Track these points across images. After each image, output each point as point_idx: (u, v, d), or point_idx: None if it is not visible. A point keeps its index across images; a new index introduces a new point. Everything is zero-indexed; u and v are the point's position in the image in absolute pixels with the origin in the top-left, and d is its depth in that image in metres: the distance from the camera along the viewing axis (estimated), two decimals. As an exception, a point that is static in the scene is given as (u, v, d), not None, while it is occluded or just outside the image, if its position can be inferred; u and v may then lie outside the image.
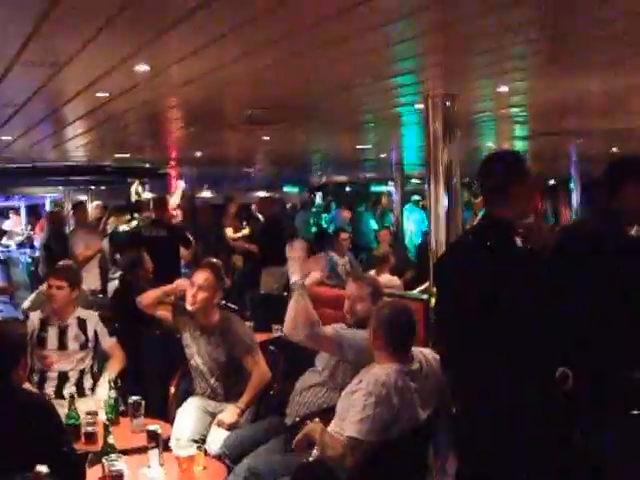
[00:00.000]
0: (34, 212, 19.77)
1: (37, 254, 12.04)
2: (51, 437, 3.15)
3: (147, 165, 14.55)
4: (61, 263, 6.67)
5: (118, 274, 8.08)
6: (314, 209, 20.33)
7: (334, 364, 4.37)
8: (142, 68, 5.18)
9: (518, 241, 3.13)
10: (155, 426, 3.88)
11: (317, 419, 3.90)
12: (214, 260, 5.30)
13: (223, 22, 4.17)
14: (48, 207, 17.94)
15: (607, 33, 4.72)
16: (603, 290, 3.05)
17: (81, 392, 4.98)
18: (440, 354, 3.45)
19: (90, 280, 8.99)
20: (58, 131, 8.80)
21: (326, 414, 4.08)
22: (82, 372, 5.11)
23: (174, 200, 11.66)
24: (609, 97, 7.36)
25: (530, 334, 2.90)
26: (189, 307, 4.91)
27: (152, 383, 5.42)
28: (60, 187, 16.03)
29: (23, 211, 19.93)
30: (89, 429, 4.17)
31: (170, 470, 3.75)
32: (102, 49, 4.63)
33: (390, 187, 16.30)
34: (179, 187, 12.57)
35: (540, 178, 18.89)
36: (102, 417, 4.35)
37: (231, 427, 4.60)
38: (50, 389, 4.95)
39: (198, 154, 12.42)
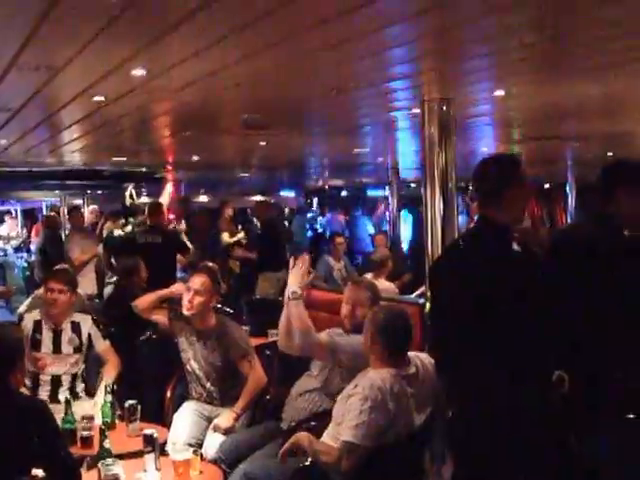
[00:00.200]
0: (30, 216, 19.76)
1: (33, 258, 12.04)
2: (48, 441, 3.16)
3: (143, 169, 14.54)
4: (57, 267, 6.69)
5: (114, 279, 8.08)
6: (310, 213, 20.36)
7: (329, 369, 4.37)
8: (139, 72, 5.17)
9: (514, 245, 3.13)
10: (151, 430, 3.88)
11: (309, 427, 3.91)
12: (210, 264, 5.31)
13: (218, 27, 4.18)
14: (44, 211, 17.94)
15: (603, 37, 4.73)
16: (598, 293, 3.05)
17: (75, 396, 4.97)
18: (435, 358, 3.44)
19: (86, 285, 9.00)
20: (54, 135, 8.79)
21: (322, 419, 4.08)
22: (74, 376, 5.10)
23: (163, 200, 11.68)
24: (605, 101, 7.38)
25: (526, 337, 2.90)
26: (185, 312, 4.91)
27: (148, 387, 5.42)
28: (56, 191, 16.02)
29: (19, 215, 19.92)
30: (85, 433, 4.17)
31: (166, 474, 3.75)
32: (98, 53, 4.63)
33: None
34: (166, 189, 12.56)
35: (535, 182, 18.93)
36: (98, 421, 4.35)
37: (227, 432, 4.60)
38: (44, 394, 4.93)
39: (195, 158, 12.42)
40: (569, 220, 17.47)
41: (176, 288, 5.32)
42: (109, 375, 5.08)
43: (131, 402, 4.41)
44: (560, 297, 3.04)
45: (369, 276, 8.25)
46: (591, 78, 6.11)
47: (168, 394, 5.17)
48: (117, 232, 10.99)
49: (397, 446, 3.65)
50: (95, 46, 4.39)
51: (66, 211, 14.15)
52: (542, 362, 2.99)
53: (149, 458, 3.78)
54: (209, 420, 4.80)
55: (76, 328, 5.16)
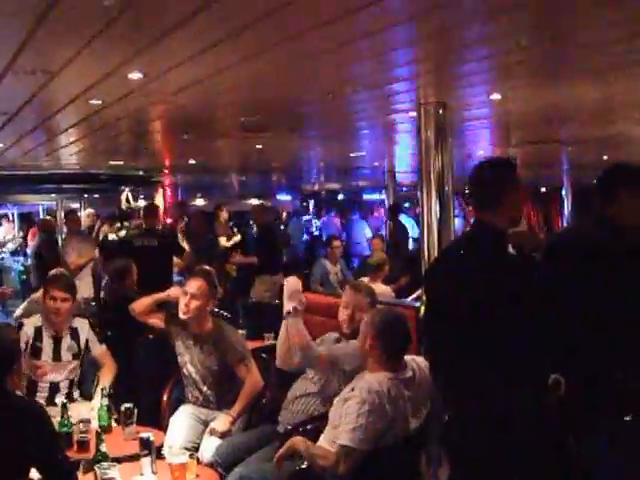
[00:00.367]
0: (27, 220, 19.74)
1: (29, 262, 12.02)
2: (45, 444, 3.16)
3: (140, 173, 14.54)
4: (53, 272, 6.64)
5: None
6: (307, 216, 20.37)
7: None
8: (136, 76, 5.18)
9: (510, 249, 3.14)
10: (148, 434, 3.88)
11: (306, 430, 3.91)
12: (207, 268, 5.30)
13: (215, 30, 4.18)
14: (41, 215, 17.94)
15: (599, 41, 4.74)
16: (599, 294, 3.05)
17: (71, 400, 4.96)
18: (430, 361, 3.44)
19: (83, 288, 8.95)
20: (51, 139, 8.79)
21: (318, 422, 4.08)
22: (72, 381, 5.08)
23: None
24: (600, 105, 7.40)
25: (522, 341, 2.90)
26: (182, 315, 4.91)
27: (145, 391, 5.41)
28: (52, 195, 16.01)
29: (16, 219, 19.91)
30: (81, 437, 4.15)
31: (163, 478, 3.74)
32: (95, 57, 4.64)
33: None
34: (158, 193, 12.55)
35: (531, 186, 18.97)
36: (94, 425, 4.34)
37: (223, 435, 4.60)
38: (41, 399, 4.89)
39: (191, 162, 12.43)
40: (565, 224, 17.47)
41: (172, 292, 5.31)
42: (105, 379, 5.07)
43: (127, 405, 4.40)
44: (558, 299, 3.04)
45: (365, 280, 8.26)
46: (587, 82, 6.14)
47: (164, 397, 5.16)
48: (112, 236, 10.97)
49: (394, 449, 3.65)
50: (91, 50, 4.40)
51: (63, 214, 14.13)
52: (538, 365, 2.99)
53: (145, 462, 3.77)
54: (205, 424, 4.80)
55: (75, 335, 5.12)
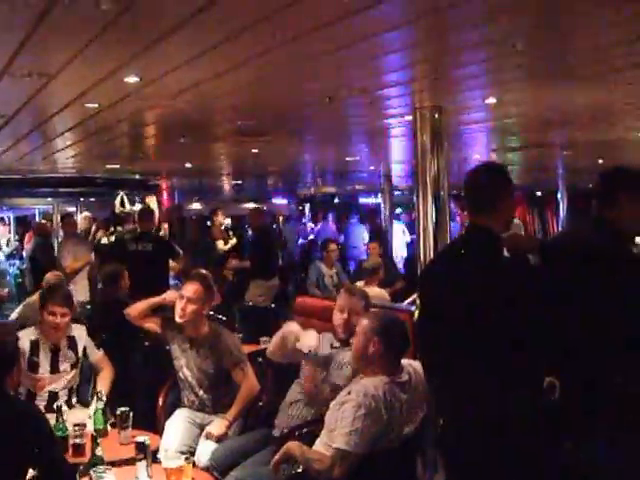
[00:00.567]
0: (23, 223, 19.72)
1: (25, 266, 12.01)
2: (44, 446, 3.16)
3: (137, 176, 14.54)
4: (50, 280, 6.65)
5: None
6: (303, 220, 20.40)
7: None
8: (132, 79, 5.19)
9: (505, 252, 3.15)
10: (143, 437, 3.87)
11: (302, 434, 3.91)
12: (203, 272, 5.30)
13: (212, 34, 4.19)
14: (37, 218, 17.92)
15: (595, 45, 4.76)
16: (598, 297, 3.05)
17: (70, 406, 4.95)
18: (424, 364, 3.44)
19: (79, 292, 8.97)
20: (47, 142, 8.78)
21: (314, 426, 4.08)
22: (71, 389, 5.06)
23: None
24: (596, 109, 7.41)
25: (517, 344, 2.90)
26: (178, 319, 4.91)
27: (140, 394, 5.40)
28: (49, 198, 15.99)
29: (12, 222, 19.88)
30: (77, 441, 4.14)
31: (158, 482, 3.74)
32: (92, 60, 4.64)
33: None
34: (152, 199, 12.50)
35: (526, 189, 19.04)
36: (90, 429, 4.33)
37: (219, 439, 4.60)
38: (40, 406, 4.88)
39: (188, 165, 12.43)
40: (560, 228, 17.51)
41: (169, 295, 5.30)
42: (103, 384, 5.05)
43: (123, 409, 4.39)
44: (555, 303, 3.04)
45: (361, 283, 8.28)
46: (582, 86, 6.15)
47: (160, 401, 5.16)
48: (105, 240, 10.92)
49: (389, 453, 3.65)
50: (88, 53, 4.40)
51: (59, 218, 14.11)
52: (533, 369, 2.99)
53: (141, 466, 3.76)
54: (201, 428, 4.80)
55: (72, 344, 5.08)
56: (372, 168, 13.82)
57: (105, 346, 5.38)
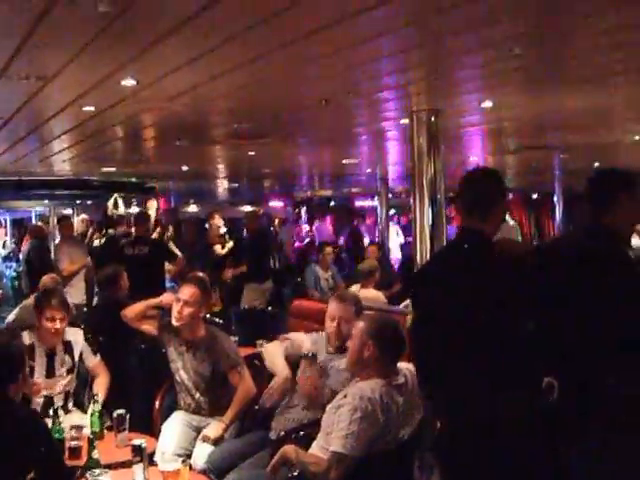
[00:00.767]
0: (20, 226, 19.72)
1: (21, 268, 12.00)
2: (44, 451, 3.16)
3: (133, 179, 14.53)
4: (47, 283, 6.62)
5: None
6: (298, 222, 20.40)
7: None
8: (129, 82, 5.19)
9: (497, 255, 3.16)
10: (140, 440, 3.86)
11: (298, 437, 3.90)
12: (200, 275, 5.30)
13: (209, 37, 4.20)
14: (34, 221, 17.91)
15: (591, 49, 4.78)
16: (591, 300, 3.05)
17: (66, 411, 4.93)
18: (418, 367, 3.41)
19: (75, 294, 8.97)
20: (44, 145, 8.79)
21: (311, 428, 4.08)
22: (67, 393, 5.05)
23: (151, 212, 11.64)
24: (592, 112, 7.43)
25: (510, 346, 2.91)
26: (175, 322, 4.90)
27: (137, 397, 5.40)
28: (45, 201, 15.99)
29: (9, 225, 19.87)
30: (73, 443, 4.14)
31: (155, 485, 3.74)
32: (89, 63, 4.65)
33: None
34: (152, 205, 12.44)
35: (522, 192, 19.05)
36: (86, 431, 4.33)
37: (216, 442, 4.60)
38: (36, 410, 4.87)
39: (184, 168, 12.43)
40: (557, 230, 17.53)
41: (165, 298, 5.30)
42: (99, 390, 5.01)
43: (120, 412, 4.39)
44: (550, 305, 3.05)
45: (357, 286, 8.30)
46: (579, 89, 6.17)
47: (157, 404, 5.16)
48: (96, 242, 10.87)
49: (386, 456, 3.65)
50: (85, 56, 4.41)
51: (55, 221, 14.08)
52: (527, 371, 2.99)
53: (138, 468, 3.76)
54: (198, 430, 4.80)
55: (69, 348, 5.05)
56: (369, 171, 13.84)
57: (102, 349, 5.37)
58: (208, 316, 5.53)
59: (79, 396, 5.22)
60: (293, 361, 4.57)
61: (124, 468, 3.93)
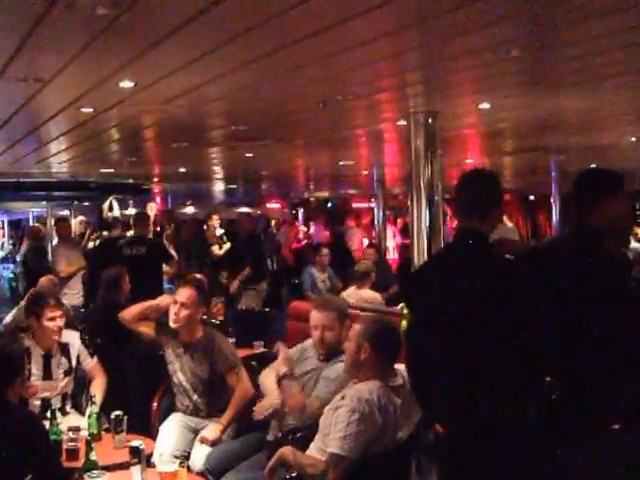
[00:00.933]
0: (17, 227, 19.71)
1: (18, 269, 12.00)
2: (42, 453, 3.16)
3: (130, 181, 14.53)
4: (44, 285, 6.62)
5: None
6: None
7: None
8: (127, 84, 5.20)
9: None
10: (138, 442, 3.87)
11: (295, 438, 3.90)
12: (198, 276, 5.30)
13: (206, 40, 4.21)
14: (31, 222, 17.91)
15: (588, 51, 4.79)
16: (584, 302, 3.06)
17: (64, 413, 4.94)
18: (414, 370, 3.39)
19: (73, 296, 8.97)
20: (42, 146, 8.79)
21: (308, 430, 4.08)
22: (65, 395, 5.04)
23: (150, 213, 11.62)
24: (589, 114, 7.46)
25: (515, 346, 2.90)
26: (172, 324, 4.90)
27: (135, 399, 5.40)
28: (43, 202, 15.98)
29: (6, 226, 19.87)
30: (71, 445, 4.13)
31: (153, 486, 3.74)
32: (87, 65, 4.66)
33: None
34: (152, 207, 12.41)
35: (518, 193, 19.07)
36: (84, 433, 4.33)
37: (214, 444, 4.60)
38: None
39: (182, 170, 12.43)
40: (554, 231, 17.54)
41: (163, 300, 5.30)
42: (96, 393, 5.02)
43: (117, 413, 4.39)
44: (549, 305, 3.04)
45: (353, 288, 8.31)
46: (576, 91, 6.19)
47: (154, 406, 5.16)
48: (91, 244, 10.81)
49: (384, 458, 3.65)
50: (83, 58, 4.42)
51: (52, 222, 14.07)
52: (528, 371, 2.99)
53: (135, 470, 3.76)
54: (195, 432, 4.80)
55: (65, 351, 5.05)
56: (366, 173, 13.85)
57: (100, 350, 5.37)
58: (205, 317, 5.52)
59: (77, 398, 5.22)
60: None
61: (122, 470, 3.93)
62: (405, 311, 3.28)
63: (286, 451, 3.74)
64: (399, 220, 16.84)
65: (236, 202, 20.95)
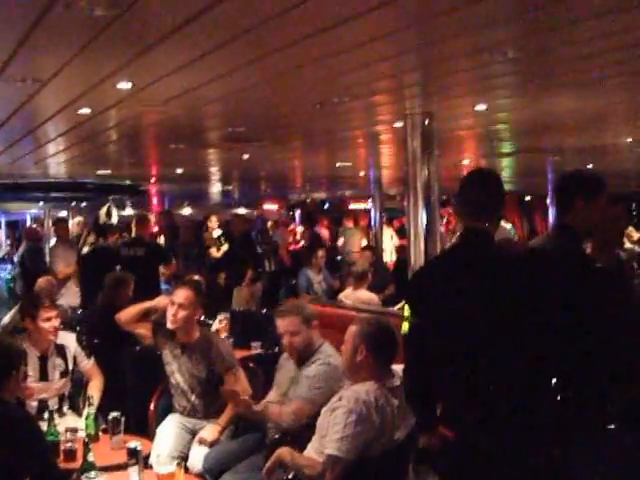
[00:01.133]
0: (14, 228, 19.70)
1: (16, 270, 11.99)
2: (38, 453, 3.16)
3: (127, 182, 14.53)
4: (41, 285, 6.62)
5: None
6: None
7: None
8: (124, 86, 5.21)
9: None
10: (135, 443, 3.86)
11: (293, 439, 3.91)
12: (195, 278, 5.30)
13: (204, 42, 4.22)
14: (29, 223, 17.90)
15: (584, 53, 4.80)
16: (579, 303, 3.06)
17: (61, 414, 4.93)
18: (415, 373, 3.37)
19: (70, 297, 8.98)
20: (39, 147, 8.79)
21: (306, 431, 4.09)
22: (62, 396, 5.04)
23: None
24: (584, 115, 7.47)
25: (522, 348, 2.88)
26: (170, 325, 4.90)
27: (132, 400, 5.40)
28: (40, 203, 15.97)
29: (3, 227, 19.85)
30: (69, 446, 4.13)
31: (150, 487, 3.74)
32: (85, 66, 4.66)
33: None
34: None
35: (515, 194, 19.09)
36: (82, 434, 4.32)
37: (212, 445, 4.61)
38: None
39: (179, 171, 12.43)
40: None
41: (160, 301, 5.31)
42: (93, 394, 5.03)
43: (115, 414, 4.39)
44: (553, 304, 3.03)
45: (350, 289, 8.33)
46: (571, 93, 6.21)
47: (152, 407, 5.16)
48: (86, 249, 10.76)
49: (381, 459, 3.65)
50: (81, 59, 4.43)
51: (50, 223, 14.06)
52: (540, 374, 2.95)
53: (133, 471, 3.75)
54: (193, 433, 4.80)
55: (61, 352, 5.04)
56: (362, 174, 13.86)
57: (97, 351, 5.37)
58: (203, 318, 5.53)
59: (74, 399, 5.21)
60: None
61: (119, 471, 3.92)
62: (406, 313, 3.20)
63: (284, 452, 3.75)
64: (395, 222, 16.86)
65: (233, 203, 20.95)
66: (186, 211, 20.35)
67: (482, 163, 12.25)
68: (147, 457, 4.27)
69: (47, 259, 11.51)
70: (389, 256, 13.89)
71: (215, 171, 13.55)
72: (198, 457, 4.50)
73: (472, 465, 2.95)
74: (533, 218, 21.36)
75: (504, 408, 2.87)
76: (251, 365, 5.53)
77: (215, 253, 11.00)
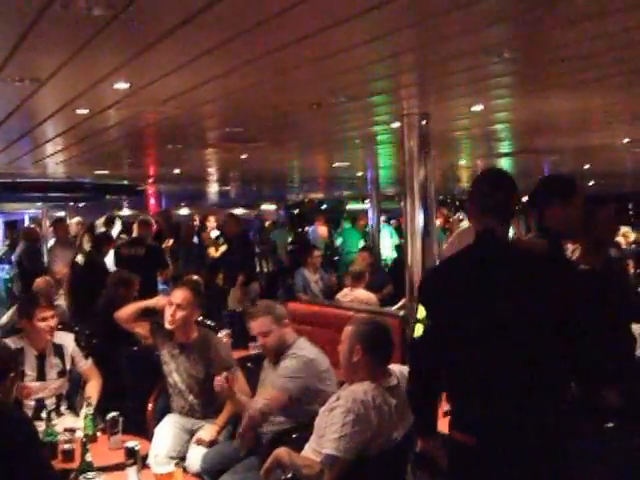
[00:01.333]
0: (12, 228, 19.67)
1: (14, 270, 11.97)
2: (33, 454, 3.16)
3: (125, 182, 14.53)
4: (39, 285, 6.61)
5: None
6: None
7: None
8: (122, 86, 5.21)
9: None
10: (133, 443, 3.87)
11: (291, 439, 3.92)
12: (194, 278, 5.31)
13: (202, 42, 4.22)
14: (27, 223, 17.88)
15: (580, 53, 4.81)
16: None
17: (59, 414, 4.93)
18: (423, 374, 3.34)
19: (69, 297, 8.95)
20: (38, 147, 8.79)
21: (303, 430, 4.09)
22: (59, 396, 5.05)
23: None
24: (581, 115, 7.48)
25: (544, 347, 2.87)
26: (168, 326, 4.91)
27: (130, 400, 5.41)
28: (38, 203, 15.95)
29: (1, 227, 19.83)
30: (66, 446, 4.13)
31: (148, 487, 3.74)
32: (83, 66, 4.66)
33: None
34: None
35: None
36: (79, 434, 4.33)
37: (210, 445, 4.61)
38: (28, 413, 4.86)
39: (176, 171, 12.43)
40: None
41: (159, 301, 5.31)
42: (91, 394, 5.02)
43: (113, 414, 4.39)
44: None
45: (347, 289, 8.34)
46: (568, 93, 6.22)
47: (150, 407, 5.17)
48: (79, 257, 10.65)
49: (379, 458, 3.65)
50: (79, 59, 4.43)
51: (48, 223, 14.04)
52: (559, 373, 2.94)
53: (131, 471, 3.76)
54: (191, 433, 4.81)
55: (59, 352, 5.05)
56: (360, 174, 13.87)
57: (95, 351, 5.37)
58: (201, 318, 5.53)
59: (72, 399, 5.22)
60: None
61: (117, 471, 3.93)
62: (419, 315, 3.14)
63: (282, 452, 3.75)
64: (393, 221, 16.86)
65: (231, 203, 20.96)
66: (183, 211, 20.34)
67: (479, 163, 12.27)
68: (145, 457, 4.27)
69: (45, 259, 11.51)
70: (390, 253, 13.88)
71: (212, 171, 13.55)
72: (196, 457, 4.50)
73: (479, 466, 2.94)
74: (530, 219, 21.36)
75: (524, 409, 2.84)
76: (249, 365, 5.53)
77: (214, 253, 11.01)
